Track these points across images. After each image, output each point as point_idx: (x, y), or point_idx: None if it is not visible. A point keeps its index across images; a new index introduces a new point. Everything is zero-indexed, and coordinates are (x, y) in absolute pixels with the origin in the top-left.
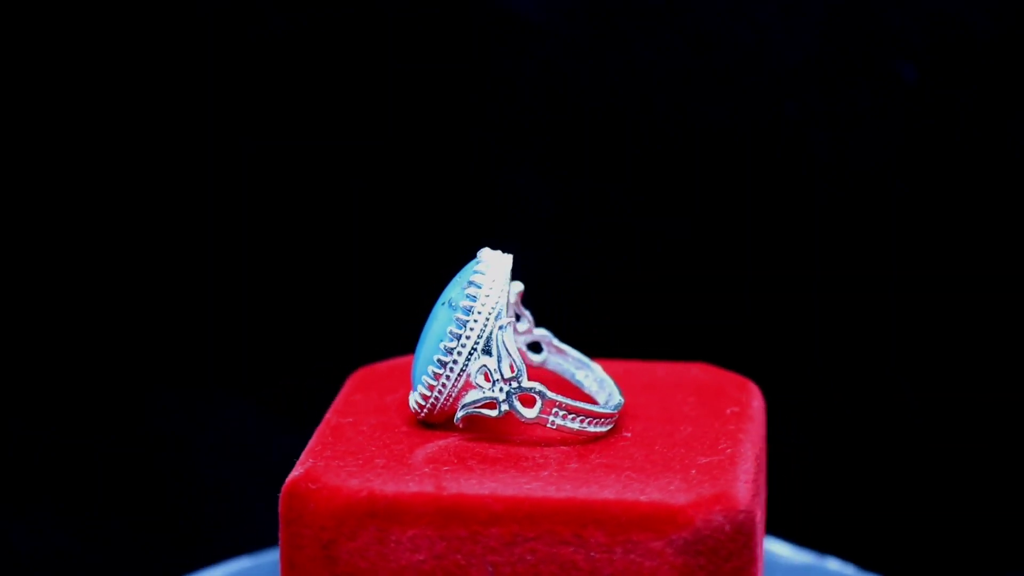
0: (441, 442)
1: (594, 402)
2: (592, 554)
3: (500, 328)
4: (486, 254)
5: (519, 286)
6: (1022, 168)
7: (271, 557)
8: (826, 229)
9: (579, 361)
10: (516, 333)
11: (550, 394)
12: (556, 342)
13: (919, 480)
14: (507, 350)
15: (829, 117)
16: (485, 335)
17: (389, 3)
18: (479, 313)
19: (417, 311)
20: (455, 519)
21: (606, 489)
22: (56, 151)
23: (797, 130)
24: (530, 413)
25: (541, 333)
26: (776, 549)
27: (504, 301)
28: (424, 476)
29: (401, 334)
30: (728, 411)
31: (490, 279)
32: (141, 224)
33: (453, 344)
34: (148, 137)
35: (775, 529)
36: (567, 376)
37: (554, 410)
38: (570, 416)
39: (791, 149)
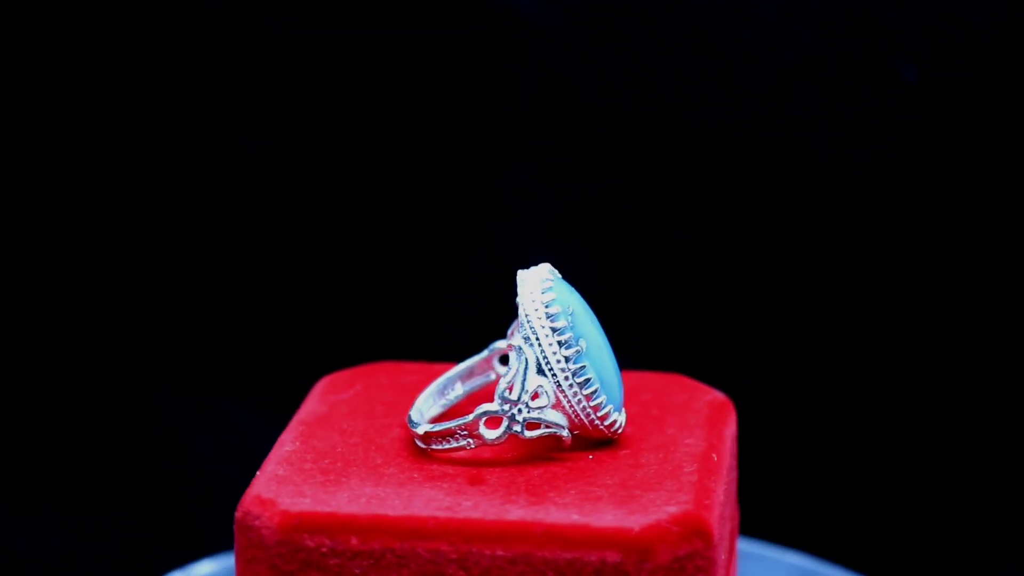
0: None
1: None
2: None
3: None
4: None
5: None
6: (1022, 167)
7: None
8: (826, 228)
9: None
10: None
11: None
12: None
13: (917, 480)
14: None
15: (829, 117)
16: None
17: (389, 3)
18: None
19: (417, 312)
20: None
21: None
22: (58, 154)
23: (797, 130)
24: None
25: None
26: (769, 553)
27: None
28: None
29: (401, 335)
30: (696, 428)
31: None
32: (152, 227)
33: None
34: (148, 138)
35: (763, 533)
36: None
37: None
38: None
39: (791, 149)
